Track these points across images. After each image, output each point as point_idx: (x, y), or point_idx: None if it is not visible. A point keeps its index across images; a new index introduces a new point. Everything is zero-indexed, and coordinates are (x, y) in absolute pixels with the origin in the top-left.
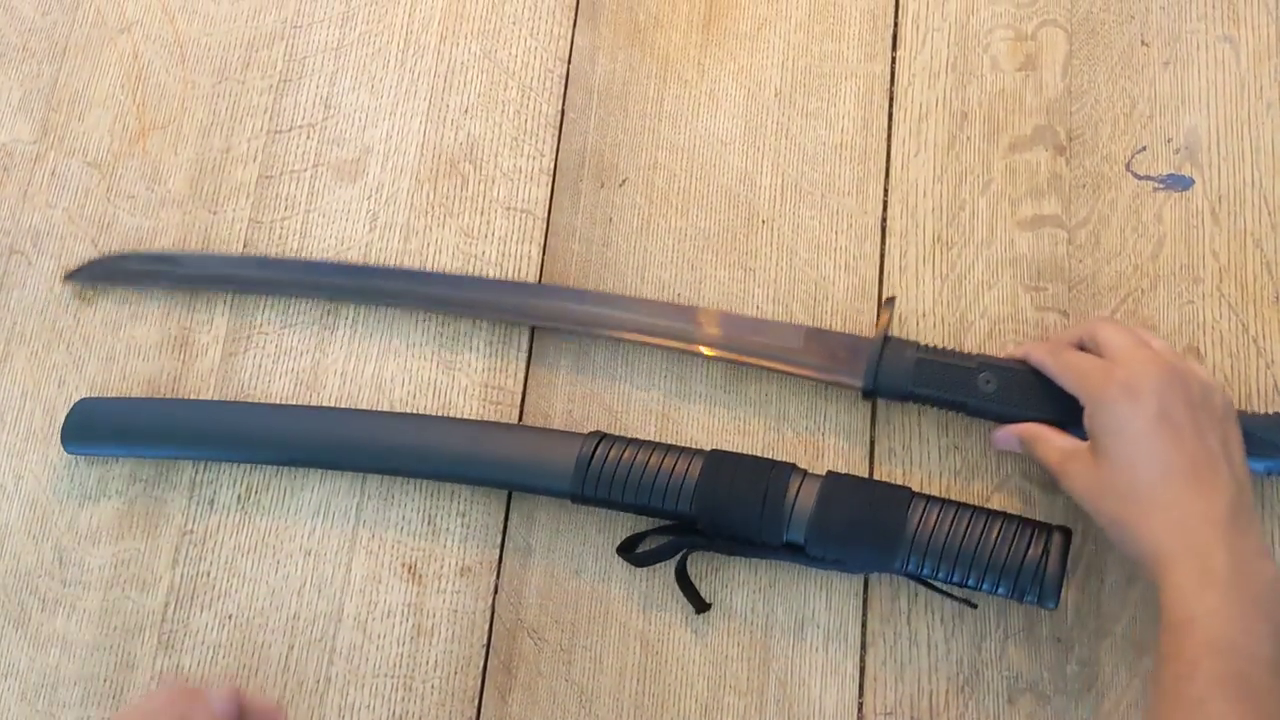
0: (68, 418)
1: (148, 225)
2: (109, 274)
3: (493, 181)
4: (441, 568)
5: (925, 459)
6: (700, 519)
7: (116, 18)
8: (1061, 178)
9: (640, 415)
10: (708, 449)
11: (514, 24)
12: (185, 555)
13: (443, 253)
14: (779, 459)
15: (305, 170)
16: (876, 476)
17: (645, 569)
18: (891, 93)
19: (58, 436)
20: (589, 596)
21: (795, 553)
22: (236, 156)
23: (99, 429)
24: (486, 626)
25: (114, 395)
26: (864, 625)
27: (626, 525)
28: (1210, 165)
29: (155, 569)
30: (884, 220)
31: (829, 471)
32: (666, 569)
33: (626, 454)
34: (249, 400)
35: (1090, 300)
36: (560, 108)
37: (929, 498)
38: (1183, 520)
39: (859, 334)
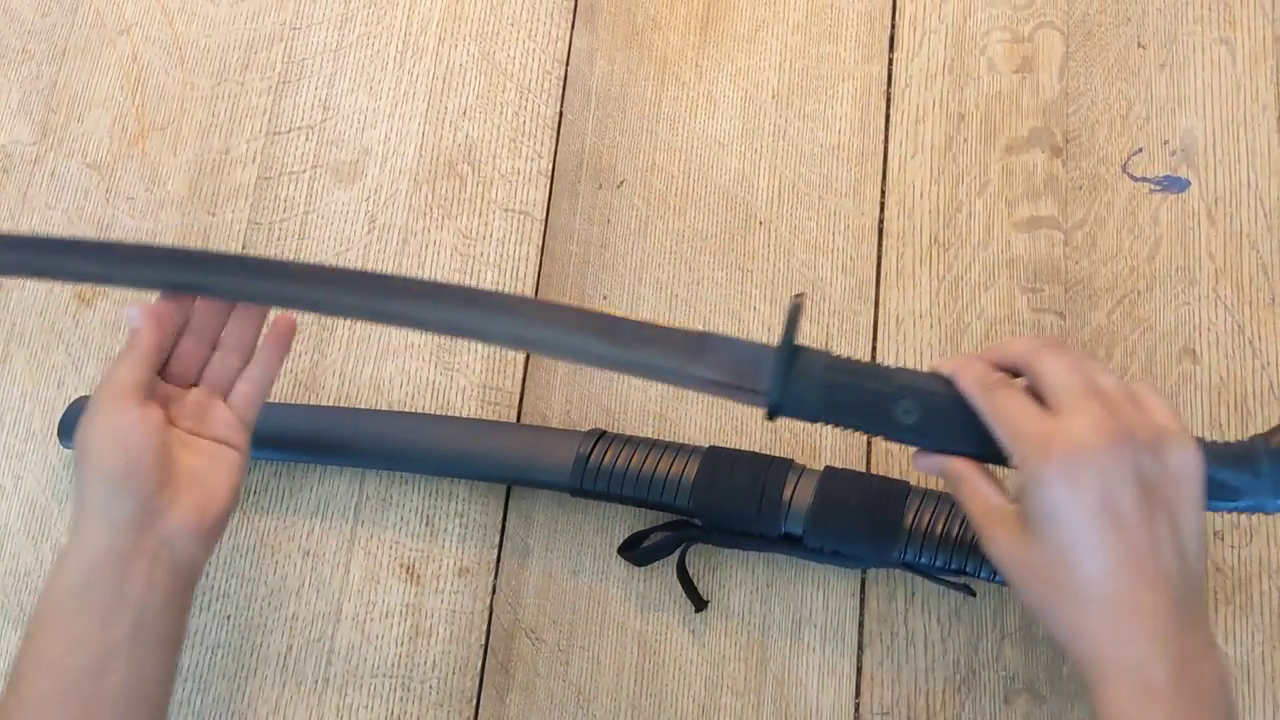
0: (65, 415)
1: (147, 227)
2: None
3: (491, 183)
4: (439, 568)
5: None
6: (699, 513)
7: (116, 19)
8: (1058, 179)
9: (638, 416)
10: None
11: (512, 26)
12: None
13: (441, 254)
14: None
15: (304, 172)
16: None
17: (643, 569)
18: (889, 94)
19: (56, 437)
20: (587, 597)
21: (793, 545)
22: (235, 158)
23: None
24: (484, 627)
25: None
26: (861, 625)
27: (624, 526)
28: (1206, 167)
29: None
30: (881, 222)
31: (827, 466)
32: (664, 569)
33: (625, 450)
34: None
35: (1086, 301)
36: (558, 109)
37: (926, 490)
38: (1120, 626)
39: (769, 343)
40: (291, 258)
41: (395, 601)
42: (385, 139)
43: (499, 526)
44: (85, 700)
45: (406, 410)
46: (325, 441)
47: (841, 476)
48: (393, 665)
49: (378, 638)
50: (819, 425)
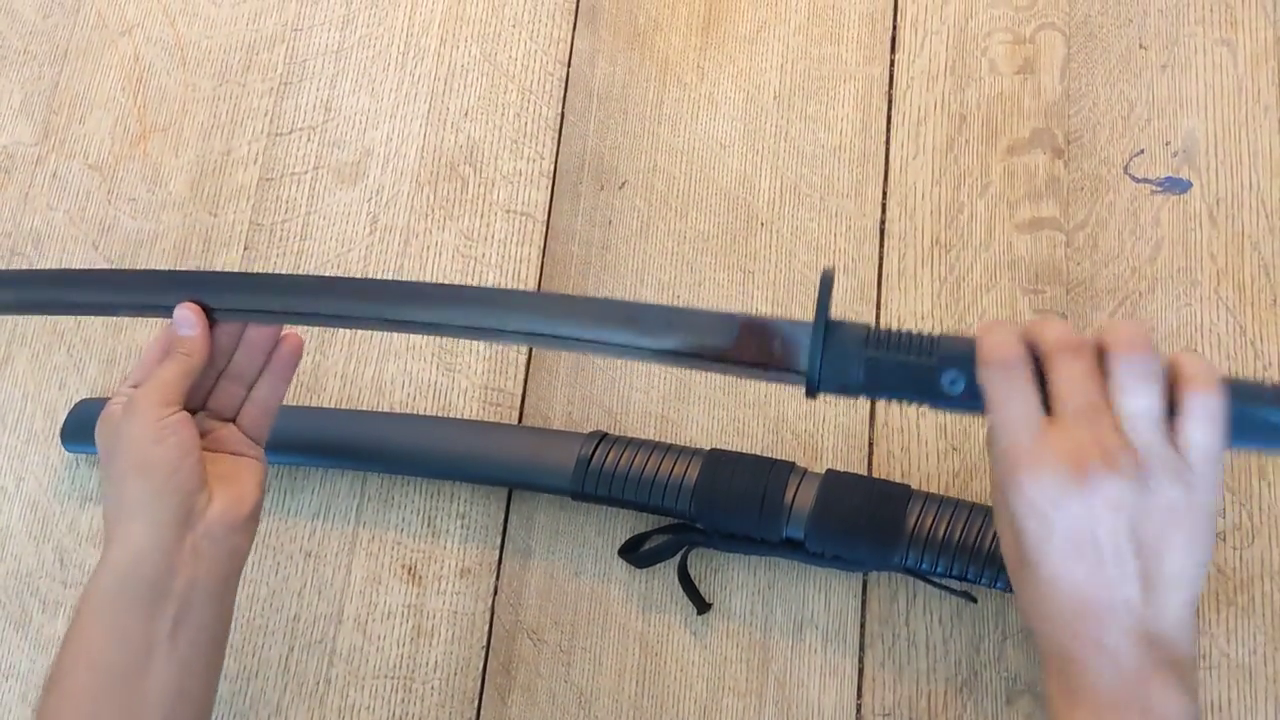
0: (68, 417)
1: (148, 228)
2: None
3: (492, 184)
4: (441, 569)
5: (924, 461)
6: (700, 516)
7: (117, 21)
8: (1059, 181)
9: (639, 417)
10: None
11: (514, 27)
12: None
13: (442, 255)
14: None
15: (306, 173)
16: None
17: (644, 570)
18: (890, 96)
19: (58, 439)
20: (588, 598)
21: (794, 549)
22: (237, 159)
23: None
24: (486, 628)
25: None
26: (862, 626)
27: (625, 527)
28: (1208, 168)
29: None
30: (883, 223)
31: (828, 469)
32: (666, 571)
33: (626, 453)
34: None
35: (1088, 303)
36: (560, 111)
37: (928, 495)
38: (1066, 638)
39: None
40: (293, 259)
41: (397, 602)
42: (387, 140)
43: (501, 527)
44: (128, 695)
45: (408, 412)
46: (327, 445)
47: (843, 480)
48: (394, 666)
49: (379, 639)
50: (819, 425)
